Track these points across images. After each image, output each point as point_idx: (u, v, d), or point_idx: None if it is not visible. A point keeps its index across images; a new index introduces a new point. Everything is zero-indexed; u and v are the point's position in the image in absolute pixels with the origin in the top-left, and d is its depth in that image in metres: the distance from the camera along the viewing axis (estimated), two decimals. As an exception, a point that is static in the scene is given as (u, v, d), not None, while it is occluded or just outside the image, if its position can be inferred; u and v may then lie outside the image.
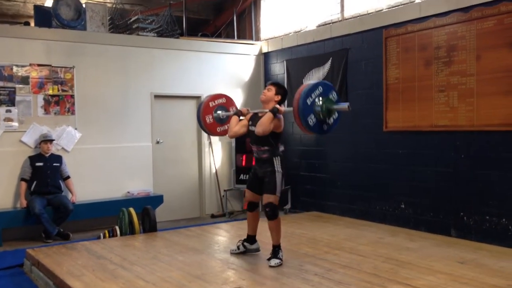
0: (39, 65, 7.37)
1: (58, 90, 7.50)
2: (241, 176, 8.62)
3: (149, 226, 6.49)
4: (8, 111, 7.15)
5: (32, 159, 7.12)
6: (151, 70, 8.28)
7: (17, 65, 7.22)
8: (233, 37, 9.88)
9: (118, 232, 6.38)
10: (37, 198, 6.94)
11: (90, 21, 7.95)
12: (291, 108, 4.66)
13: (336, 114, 4.72)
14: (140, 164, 8.13)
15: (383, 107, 7.00)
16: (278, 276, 4.49)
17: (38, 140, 7.21)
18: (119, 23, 8.61)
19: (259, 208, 5.29)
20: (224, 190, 8.83)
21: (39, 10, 8.02)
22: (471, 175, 6.02)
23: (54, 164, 7.20)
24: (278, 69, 9.07)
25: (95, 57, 7.80)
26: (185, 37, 8.89)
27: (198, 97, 8.62)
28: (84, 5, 7.97)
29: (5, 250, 6.44)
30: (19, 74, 7.24)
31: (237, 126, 5.10)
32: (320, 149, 8.21)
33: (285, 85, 8.61)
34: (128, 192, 7.93)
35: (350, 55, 7.59)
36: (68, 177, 7.35)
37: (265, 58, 9.41)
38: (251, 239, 5.25)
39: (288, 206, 8.59)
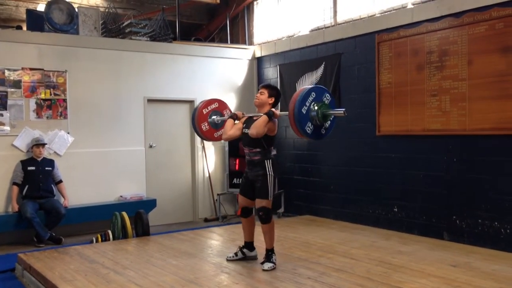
0: (31, 69, 7.35)
1: (51, 94, 7.47)
2: (235, 180, 8.62)
3: (142, 230, 6.47)
4: None
5: (24, 163, 7.08)
6: (144, 74, 8.27)
7: (9, 69, 7.19)
8: (226, 42, 9.89)
9: (111, 236, 6.35)
10: (29, 202, 6.90)
11: (83, 25, 7.94)
12: (286, 112, 4.69)
13: (332, 116, 4.76)
14: (133, 168, 8.11)
15: (376, 112, 7.03)
16: (272, 280, 4.49)
17: (30, 144, 7.18)
18: (112, 27, 8.60)
19: (253, 213, 5.27)
20: (218, 194, 8.82)
21: (31, 14, 8.00)
22: (463, 179, 6.05)
23: (46, 168, 7.16)
24: (271, 73, 9.09)
25: (88, 61, 7.78)
26: (178, 42, 8.90)
27: (191, 101, 8.62)
28: (76, 9, 7.96)
29: (-3, 254, 6.40)
30: (11, 78, 7.21)
31: (232, 129, 5.09)
32: (313, 153, 8.22)
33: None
34: (121, 196, 7.91)
35: (343, 60, 7.63)
36: (61, 181, 7.32)
37: (258, 63, 9.43)
38: (249, 245, 5.20)
39: (282, 210, 8.59)
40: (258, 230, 5.07)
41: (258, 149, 4.86)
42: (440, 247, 5.69)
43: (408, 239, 6.14)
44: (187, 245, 5.98)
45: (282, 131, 8.63)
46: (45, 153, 7.25)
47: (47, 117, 7.43)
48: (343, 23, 7.81)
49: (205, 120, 5.63)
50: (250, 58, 9.41)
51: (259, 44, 9.47)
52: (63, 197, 7.32)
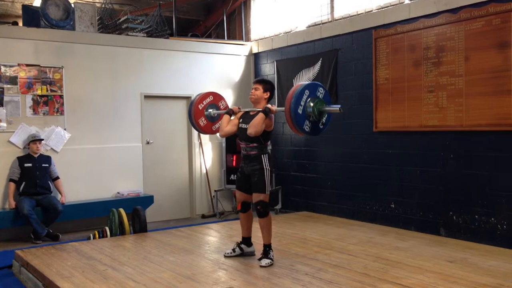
0: (27, 65, 7.32)
1: (47, 90, 7.45)
2: (232, 177, 8.62)
3: (139, 226, 6.47)
4: (-4, 111, 7.11)
5: (21, 160, 7.07)
6: (141, 71, 8.26)
7: (5, 65, 7.16)
8: (223, 38, 9.88)
9: (108, 232, 6.33)
10: (26, 199, 6.89)
11: (79, 21, 7.90)
12: (282, 108, 4.69)
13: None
14: (130, 164, 8.10)
15: (373, 108, 7.03)
16: (269, 276, 4.49)
17: (26, 141, 7.16)
18: (108, 23, 8.57)
19: (252, 208, 5.27)
20: (215, 191, 8.82)
21: (28, 9, 7.96)
22: (460, 175, 6.07)
23: (43, 165, 7.15)
24: (268, 69, 9.08)
25: (84, 57, 7.76)
26: (175, 38, 8.87)
27: (188, 98, 8.60)
28: (73, 5, 7.93)
29: (-6, 251, 6.40)
30: (7, 74, 7.18)
31: (228, 125, 5.09)
32: (310, 150, 8.23)
33: (275, 86, 8.66)
34: (118, 193, 7.90)
35: (340, 56, 7.62)
36: (57, 177, 7.31)
37: (255, 59, 9.42)
38: (247, 241, 5.20)
39: (279, 206, 8.60)
40: (256, 226, 5.07)
41: (255, 144, 4.87)
42: (437, 243, 5.71)
43: (405, 235, 6.15)
44: (184, 241, 5.98)
45: (279, 127, 8.63)
46: (42, 149, 7.24)
47: (44, 114, 7.41)
48: (340, 19, 7.80)
49: (202, 115, 5.62)
50: (247, 54, 9.40)
51: (256, 40, 9.46)
52: (60, 193, 7.31)
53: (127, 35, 8.31)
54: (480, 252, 5.25)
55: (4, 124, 7.14)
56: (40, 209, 6.98)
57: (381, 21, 6.96)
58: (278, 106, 8.28)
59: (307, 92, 4.58)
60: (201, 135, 8.66)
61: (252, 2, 9.73)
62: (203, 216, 8.69)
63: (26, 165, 7.04)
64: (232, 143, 8.54)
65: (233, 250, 5.19)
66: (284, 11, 8.93)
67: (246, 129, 4.85)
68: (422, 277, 4.35)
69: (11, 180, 7.02)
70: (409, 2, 6.71)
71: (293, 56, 8.52)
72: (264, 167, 4.85)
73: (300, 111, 4.54)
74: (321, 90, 4.70)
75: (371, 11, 7.30)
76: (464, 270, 4.58)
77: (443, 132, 6.22)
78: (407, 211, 6.66)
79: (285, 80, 8.62)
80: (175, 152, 8.73)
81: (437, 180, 6.30)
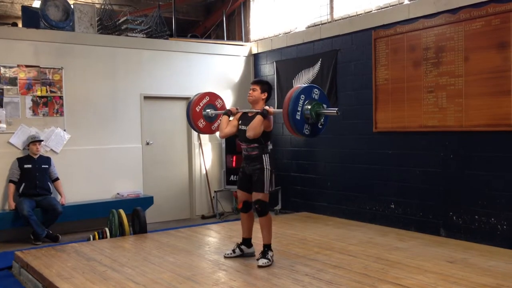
0: (27, 66, 7.32)
1: (47, 91, 7.45)
2: (232, 177, 8.62)
3: (139, 227, 6.46)
4: (-5, 112, 7.10)
5: (21, 161, 7.07)
6: (140, 71, 8.25)
7: (4, 66, 7.16)
8: (222, 38, 9.88)
9: (108, 233, 6.33)
10: (25, 200, 6.88)
11: (79, 22, 7.91)
12: (280, 110, 4.72)
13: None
14: (130, 165, 8.10)
15: (373, 108, 7.03)
16: (269, 276, 4.49)
17: (26, 142, 7.16)
18: (108, 24, 8.56)
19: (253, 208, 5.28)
20: (215, 191, 8.82)
21: (27, 10, 7.95)
22: (460, 175, 6.07)
23: (43, 166, 7.15)
24: (268, 70, 9.08)
25: (84, 58, 7.75)
26: (174, 38, 8.87)
27: (187, 98, 8.57)
28: (72, 6, 7.93)
29: (-7, 252, 6.39)
30: (7, 75, 7.18)
31: (228, 127, 5.11)
32: (310, 150, 8.22)
33: (275, 87, 8.68)
34: (118, 194, 7.90)
35: (339, 56, 7.62)
36: (57, 178, 7.31)
37: (254, 59, 9.42)
38: (247, 242, 5.20)
39: (279, 206, 8.60)
40: (256, 226, 5.07)
41: (255, 144, 4.89)
42: (436, 243, 5.70)
43: (405, 236, 6.15)
44: (184, 242, 5.98)
45: (279, 128, 8.63)
46: (42, 150, 7.24)
47: (43, 115, 7.41)
48: (340, 19, 7.80)
49: (201, 117, 5.66)
50: (246, 54, 9.40)
51: (255, 41, 9.46)
52: (60, 194, 7.30)
53: (127, 36, 8.31)
54: (480, 253, 5.25)
55: (3, 125, 7.13)
56: (40, 210, 6.98)
57: (380, 22, 6.96)
58: (278, 107, 8.31)
59: (302, 97, 4.60)
60: (201, 135, 8.66)
61: (251, 3, 9.73)
62: (203, 217, 8.68)
63: (25, 166, 7.04)
64: (232, 144, 8.54)
65: (233, 251, 5.19)
66: (283, 11, 8.93)
67: (245, 130, 4.88)
68: (422, 278, 4.35)
69: (10, 181, 7.02)
70: (409, 2, 6.71)
71: (292, 56, 8.52)
72: (265, 167, 4.87)
73: (298, 117, 4.57)
74: (315, 91, 4.71)
75: (371, 11, 7.30)
76: (464, 270, 4.58)
77: (443, 133, 6.22)
78: (407, 212, 6.66)
79: (284, 81, 8.62)
80: (175, 153, 8.73)
81: (437, 181, 6.30)
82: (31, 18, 7.67)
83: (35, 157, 7.11)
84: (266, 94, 5.00)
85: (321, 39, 7.94)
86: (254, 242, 5.25)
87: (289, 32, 8.73)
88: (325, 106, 4.70)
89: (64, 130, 7.55)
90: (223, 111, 5.34)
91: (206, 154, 8.91)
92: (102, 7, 8.79)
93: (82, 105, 7.71)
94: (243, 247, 5.19)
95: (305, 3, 8.46)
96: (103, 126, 7.89)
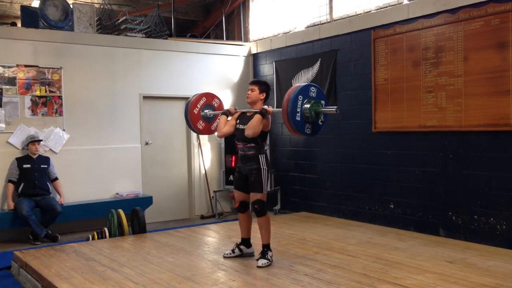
0: (26, 66, 7.31)
1: (46, 91, 7.44)
2: (231, 177, 8.60)
3: (138, 227, 6.46)
4: (-6, 112, 7.09)
5: (20, 161, 7.06)
6: (140, 71, 8.25)
7: (3, 66, 7.15)
8: (222, 38, 9.87)
9: (107, 233, 6.33)
10: (24, 200, 6.88)
11: (78, 21, 7.90)
12: (279, 109, 4.73)
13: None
14: (129, 165, 8.09)
15: (372, 108, 7.03)
16: (268, 276, 4.49)
17: (25, 142, 7.15)
18: (107, 24, 8.56)
19: (250, 208, 5.27)
20: (214, 191, 8.82)
21: (26, 10, 7.94)
22: (459, 175, 6.07)
23: (42, 166, 7.14)
24: (267, 70, 9.08)
25: (83, 58, 7.75)
26: (174, 38, 8.87)
27: (187, 98, 8.54)
28: (71, 6, 7.92)
29: (-8, 252, 6.38)
30: (6, 75, 7.17)
31: (226, 126, 5.11)
32: (309, 150, 8.22)
33: (274, 87, 8.68)
34: (117, 194, 7.89)
35: (339, 56, 7.62)
36: (56, 178, 7.30)
37: (254, 59, 9.42)
38: (246, 242, 5.20)
39: (278, 206, 8.59)
40: (255, 227, 5.06)
41: (252, 144, 4.89)
42: (436, 243, 5.70)
43: (404, 236, 6.15)
44: (183, 242, 5.98)
45: (278, 128, 8.63)
46: (41, 150, 7.23)
47: (43, 114, 7.40)
48: (339, 19, 7.80)
49: (199, 118, 5.67)
50: (246, 54, 9.40)
51: (255, 41, 9.45)
52: (59, 194, 7.30)
53: (126, 35, 8.30)
54: (479, 252, 5.25)
55: (2, 125, 7.12)
56: (39, 210, 6.97)
57: (380, 22, 6.96)
58: (277, 107, 8.31)
59: (300, 97, 4.61)
60: (200, 135, 8.65)
61: (251, 3, 9.73)
62: (202, 217, 8.68)
63: (24, 166, 7.03)
64: (231, 144, 8.52)
65: (233, 251, 5.19)
66: (283, 11, 8.93)
67: (243, 129, 4.88)
68: (422, 278, 4.35)
69: (9, 181, 7.01)
70: (408, 2, 6.71)
71: (292, 56, 8.52)
72: (262, 167, 4.87)
73: (298, 118, 4.59)
74: (312, 89, 4.72)
75: (370, 11, 7.30)
76: (463, 270, 4.58)
77: (442, 133, 6.22)
78: (406, 212, 6.66)
79: (284, 81, 8.62)
80: (174, 153, 8.72)
81: (436, 180, 6.30)
82: (30, 18, 7.66)
83: (34, 157, 7.11)
84: (264, 95, 5.00)
85: (321, 39, 7.94)
86: (253, 242, 5.24)
87: (289, 32, 8.73)
88: (323, 103, 4.71)
89: (63, 130, 7.54)
90: (221, 111, 5.34)
91: (205, 154, 8.90)
92: (101, 6, 8.78)
93: (81, 105, 7.71)
94: (242, 247, 5.18)
95: (304, 3, 8.46)
96: (102, 126, 7.88)
